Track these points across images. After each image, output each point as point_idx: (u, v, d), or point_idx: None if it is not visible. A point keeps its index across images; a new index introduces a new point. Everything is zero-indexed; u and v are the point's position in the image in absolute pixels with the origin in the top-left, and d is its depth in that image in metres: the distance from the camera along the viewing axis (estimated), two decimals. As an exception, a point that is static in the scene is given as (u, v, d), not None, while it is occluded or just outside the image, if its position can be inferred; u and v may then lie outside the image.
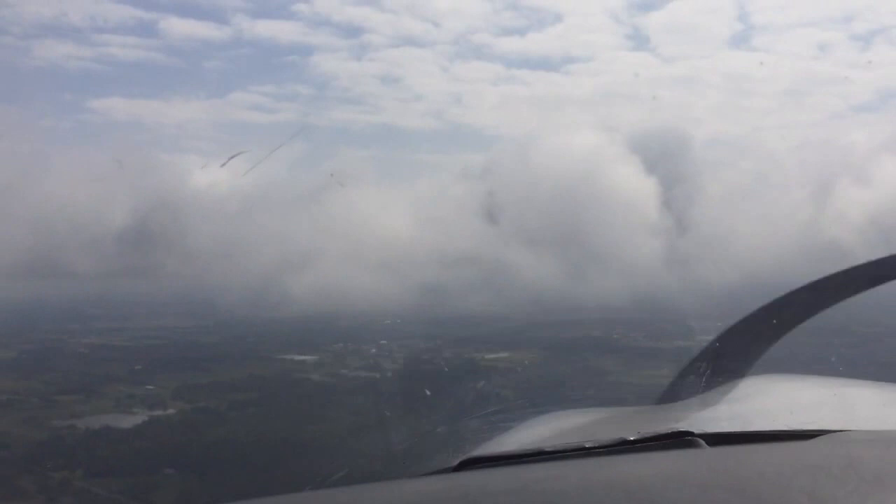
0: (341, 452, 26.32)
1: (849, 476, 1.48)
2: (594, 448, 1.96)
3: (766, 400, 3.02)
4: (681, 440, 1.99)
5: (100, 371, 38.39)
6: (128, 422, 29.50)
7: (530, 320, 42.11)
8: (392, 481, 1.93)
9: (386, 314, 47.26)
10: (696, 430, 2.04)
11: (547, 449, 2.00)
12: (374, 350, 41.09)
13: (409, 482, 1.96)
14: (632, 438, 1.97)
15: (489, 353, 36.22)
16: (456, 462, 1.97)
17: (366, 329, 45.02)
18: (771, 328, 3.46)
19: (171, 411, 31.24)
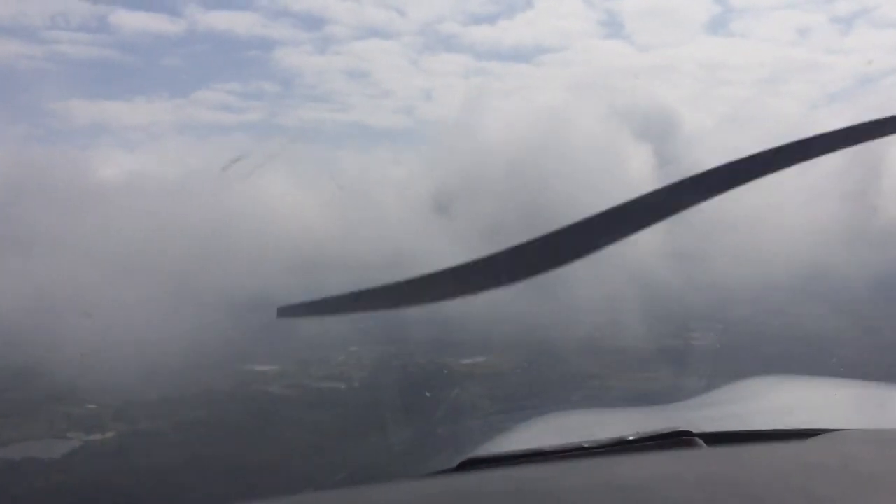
0: (290, 478, 23.54)
1: (846, 475, 1.51)
2: (593, 448, 1.98)
3: (764, 400, 3.00)
4: (679, 440, 2.00)
5: (41, 388, 35.10)
6: (57, 450, 26.41)
7: (507, 320, 39.34)
8: (393, 482, 1.93)
9: (359, 316, 44.21)
10: (695, 430, 2.03)
11: (546, 449, 2.03)
12: (342, 357, 38.31)
13: (410, 483, 1.94)
14: (631, 438, 1.99)
15: (465, 357, 33.37)
16: (456, 462, 2.01)
17: (336, 333, 41.97)
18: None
19: (109, 434, 28.15)
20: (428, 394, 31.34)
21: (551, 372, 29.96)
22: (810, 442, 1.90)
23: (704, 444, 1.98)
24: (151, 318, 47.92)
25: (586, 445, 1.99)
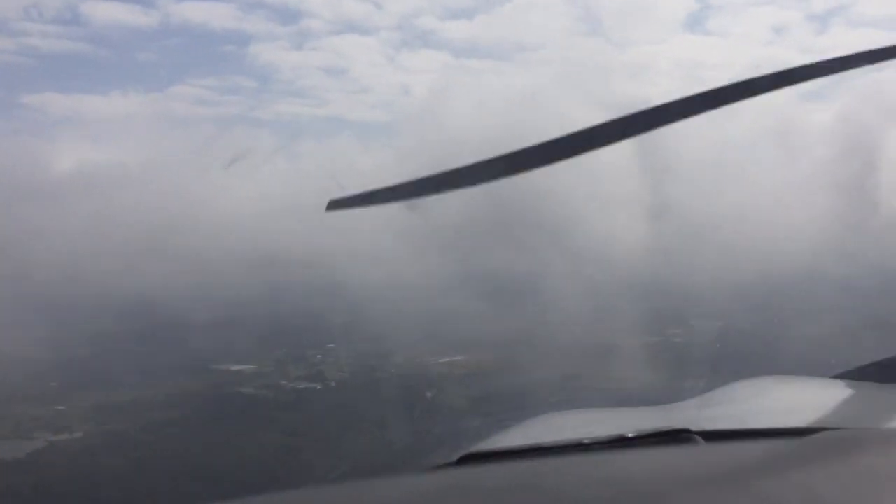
0: (261, 480, 22.92)
1: (844, 472, 1.51)
2: (593, 445, 1.99)
3: (764, 400, 3.06)
4: (678, 437, 2.01)
5: (9, 388, 34.23)
6: (22, 451, 25.67)
7: (487, 318, 38.81)
8: (394, 476, 1.95)
9: (338, 313, 43.69)
10: (694, 428, 2.05)
11: (546, 445, 2.03)
12: (319, 356, 37.64)
13: (411, 477, 1.95)
14: (630, 436, 2.00)
15: (442, 356, 32.81)
16: (456, 457, 1.99)
17: (314, 331, 41.27)
18: None
19: (76, 435, 27.43)
20: (430, 394, 31.14)
21: (530, 371, 29.43)
22: (808, 439, 1.90)
23: (703, 442, 1.99)
24: (120, 314, 47.13)
25: (586, 442, 2.00)
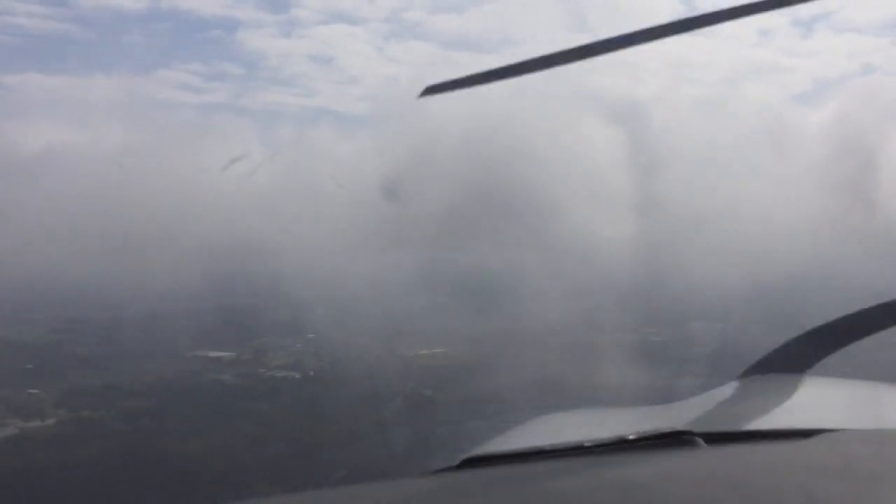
0: (236, 471, 22.75)
1: (845, 474, 1.52)
2: (594, 447, 2.01)
3: (765, 400, 3.04)
4: (680, 439, 2.02)
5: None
6: (-8, 437, 25.32)
7: (466, 311, 38.69)
8: (396, 479, 1.97)
9: (319, 302, 43.41)
10: (695, 430, 2.06)
11: (547, 448, 2.05)
12: (299, 345, 37.42)
13: (412, 480, 1.97)
14: (631, 437, 2.01)
15: (422, 348, 32.70)
16: (458, 461, 1.98)
17: (296, 320, 40.99)
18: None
19: (49, 422, 27.03)
20: (409, 386, 30.92)
21: (508, 365, 29.34)
22: (810, 441, 1.92)
23: (704, 444, 2.00)
24: (97, 298, 46.59)
25: (587, 444, 2.01)
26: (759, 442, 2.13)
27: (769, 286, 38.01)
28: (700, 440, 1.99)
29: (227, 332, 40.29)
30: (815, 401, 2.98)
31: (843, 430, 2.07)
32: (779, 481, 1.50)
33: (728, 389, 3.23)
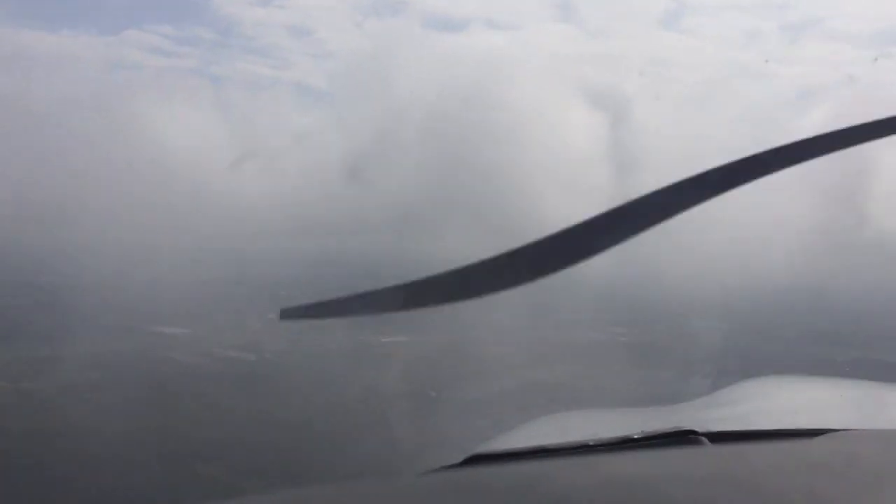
0: (175, 451, 21.75)
1: (850, 474, 1.53)
2: (598, 446, 2.06)
3: (769, 400, 3.10)
4: (684, 438, 2.05)
5: None
6: (-81, 406, 23.82)
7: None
8: (398, 477, 2.07)
9: (282, 284, 42.41)
10: (700, 430, 2.07)
11: (551, 446, 2.12)
12: (258, 325, 36.38)
13: (414, 478, 1.96)
14: (635, 436, 2.05)
15: (385, 335, 31.78)
16: (461, 459, 2.07)
17: (258, 299, 39.89)
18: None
19: (-15, 392, 25.64)
20: (370, 374, 30.17)
21: (475, 357, 28.63)
22: (815, 441, 1.89)
23: (708, 443, 2.01)
24: (46, 263, 44.88)
25: (591, 443, 2.05)
26: (764, 441, 2.12)
27: (748, 290, 37.83)
28: (704, 439, 2.03)
29: (185, 307, 39.07)
30: (820, 401, 3.00)
31: (849, 429, 2.08)
32: (783, 480, 1.48)
33: (733, 390, 3.29)
